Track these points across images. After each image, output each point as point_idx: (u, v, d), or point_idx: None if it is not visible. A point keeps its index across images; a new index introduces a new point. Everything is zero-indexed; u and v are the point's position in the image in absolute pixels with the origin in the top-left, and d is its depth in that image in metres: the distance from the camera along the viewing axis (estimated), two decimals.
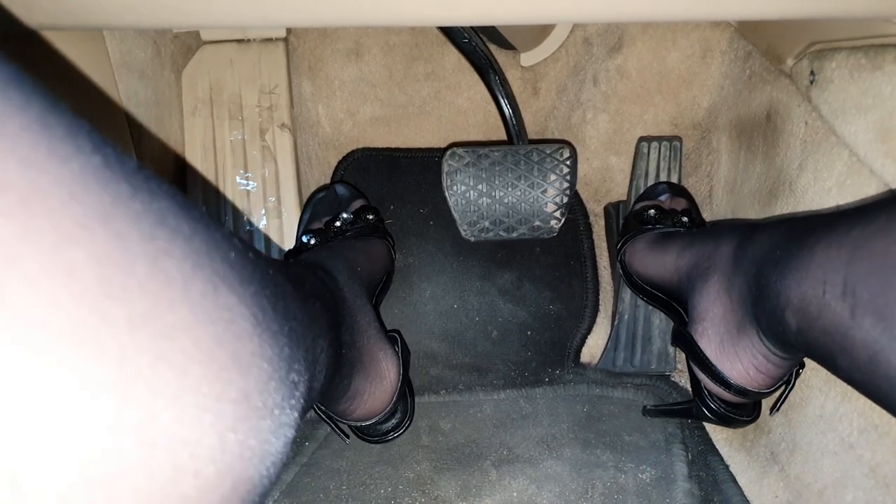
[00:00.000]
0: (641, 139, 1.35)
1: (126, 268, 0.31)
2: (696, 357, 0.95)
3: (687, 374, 1.28)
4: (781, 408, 0.97)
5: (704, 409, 1.00)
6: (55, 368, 0.27)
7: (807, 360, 0.95)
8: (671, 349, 1.31)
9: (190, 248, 0.36)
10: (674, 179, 1.33)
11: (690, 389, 1.06)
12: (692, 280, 0.97)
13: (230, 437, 0.35)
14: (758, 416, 1.01)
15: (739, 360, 0.88)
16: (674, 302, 1.06)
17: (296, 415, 0.44)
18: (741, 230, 0.92)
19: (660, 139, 1.34)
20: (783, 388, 0.92)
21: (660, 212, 1.19)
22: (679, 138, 1.35)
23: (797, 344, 0.73)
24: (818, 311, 0.65)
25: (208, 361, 0.34)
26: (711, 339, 0.92)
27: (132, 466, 0.30)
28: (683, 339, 0.99)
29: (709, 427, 1.20)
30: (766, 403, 1.05)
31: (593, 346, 1.40)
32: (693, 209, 1.23)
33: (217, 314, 0.36)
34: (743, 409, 1.00)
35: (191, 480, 0.33)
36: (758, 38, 1.16)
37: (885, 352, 0.57)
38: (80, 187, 0.30)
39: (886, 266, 0.57)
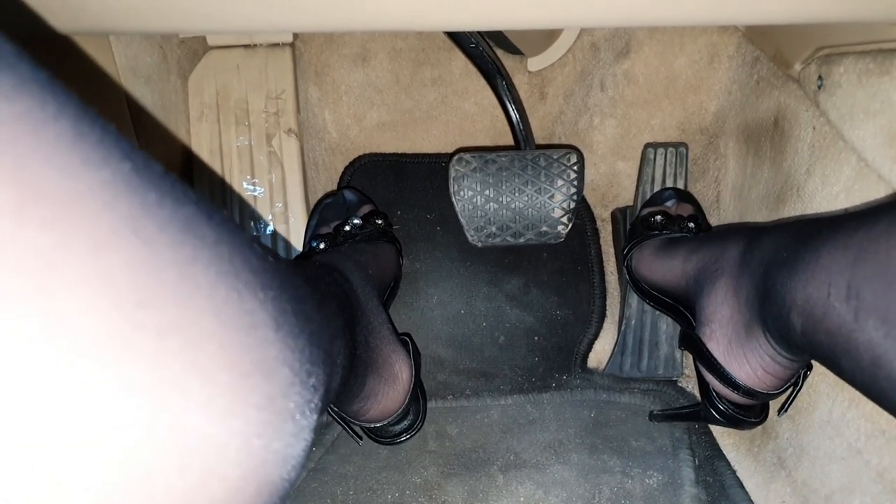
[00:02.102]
0: (648, 145, 1.35)
1: (156, 275, 0.31)
2: (704, 359, 0.95)
3: (694, 379, 1.28)
4: (789, 412, 0.97)
5: (713, 410, 1.00)
6: (97, 372, 0.28)
7: (815, 364, 0.95)
8: (678, 354, 1.31)
9: (215, 254, 0.36)
10: (680, 185, 1.33)
11: (698, 392, 1.06)
12: (699, 283, 0.97)
13: (255, 441, 0.36)
14: (765, 417, 1.01)
15: (747, 361, 0.88)
16: (681, 306, 1.06)
17: (315, 417, 0.44)
18: (748, 233, 0.91)
19: (666, 145, 1.34)
20: (791, 389, 0.92)
21: (666, 217, 1.19)
22: (685, 144, 1.34)
23: (802, 345, 0.73)
24: (822, 313, 0.65)
25: (234, 367, 0.35)
26: (719, 341, 0.92)
27: (166, 468, 0.31)
28: (691, 341, 0.98)
29: (716, 432, 1.19)
30: (774, 406, 1.05)
31: (600, 352, 1.40)
32: (699, 215, 1.23)
33: (241, 320, 0.37)
34: (751, 411, 0.99)
35: (218, 483, 0.33)
36: (765, 42, 1.16)
37: (888, 355, 0.57)
38: (111, 194, 0.31)
39: (890, 269, 0.57)
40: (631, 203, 1.39)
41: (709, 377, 0.96)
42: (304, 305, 0.48)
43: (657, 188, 1.33)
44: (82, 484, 0.28)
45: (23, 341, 0.26)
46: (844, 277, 0.62)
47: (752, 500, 1.05)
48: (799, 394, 0.95)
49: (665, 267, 1.09)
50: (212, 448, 0.33)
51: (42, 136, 0.28)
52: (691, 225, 1.15)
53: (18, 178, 0.27)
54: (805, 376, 0.93)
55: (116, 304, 0.29)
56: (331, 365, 0.56)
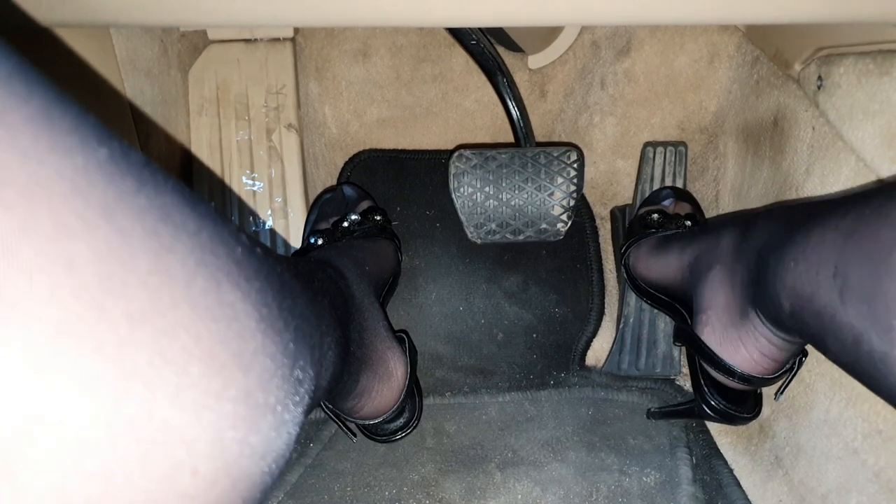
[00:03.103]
0: (647, 144, 1.35)
1: (127, 264, 0.31)
2: (699, 349, 0.95)
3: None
4: (786, 411, 0.97)
5: (706, 406, 1.00)
6: (51, 362, 0.27)
7: (813, 364, 0.95)
8: (676, 352, 1.31)
9: (194, 244, 0.36)
10: (679, 184, 1.33)
11: (692, 388, 1.06)
12: (695, 274, 0.98)
13: (229, 434, 0.35)
14: (759, 413, 1.01)
15: (743, 345, 0.89)
16: (678, 304, 1.06)
17: (300, 411, 0.44)
18: (741, 221, 0.92)
19: (665, 144, 1.34)
20: (786, 375, 0.93)
21: (663, 216, 1.19)
22: (684, 143, 1.34)
23: (791, 326, 0.74)
24: (810, 293, 0.66)
25: (209, 359, 0.34)
26: (715, 326, 0.92)
27: (129, 462, 0.30)
28: (685, 334, 0.99)
29: (713, 431, 1.19)
30: (768, 404, 1.05)
31: (598, 350, 1.40)
32: (697, 213, 1.23)
33: (219, 311, 0.36)
34: (744, 406, 1.00)
35: (188, 478, 0.33)
36: (766, 42, 1.16)
37: (868, 333, 0.58)
38: (83, 181, 0.30)
39: (875, 249, 0.57)
40: (630, 201, 1.39)
41: (706, 367, 0.97)
42: (292, 300, 0.48)
43: (656, 187, 1.33)
44: (39, 480, 0.27)
45: None
46: (832, 257, 0.63)
47: (748, 499, 1.05)
48: (797, 393, 0.95)
49: (661, 263, 1.10)
50: (181, 441, 0.32)
51: (7, 119, 0.28)
52: (689, 223, 1.15)
53: None
54: (801, 362, 0.93)
55: (78, 292, 0.29)
56: (320, 361, 0.55)
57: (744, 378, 0.91)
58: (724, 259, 0.92)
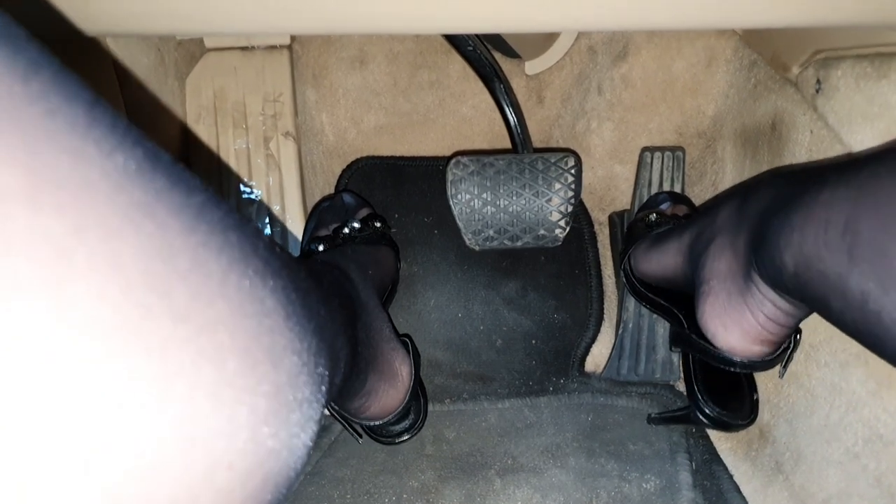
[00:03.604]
0: (644, 149, 1.35)
1: (169, 261, 0.31)
2: (696, 346, 0.94)
3: None
4: (787, 416, 0.97)
5: (700, 414, 1.00)
6: (104, 361, 0.28)
7: (812, 372, 0.95)
8: (675, 358, 1.31)
9: (225, 242, 0.36)
10: (677, 189, 1.33)
11: (687, 396, 1.06)
12: (696, 252, 0.96)
13: (263, 430, 0.35)
14: (754, 419, 1.01)
15: (749, 310, 0.86)
16: (676, 306, 1.06)
17: (320, 409, 0.44)
18: (740, 191, 0.91)
19: (663, 149, 1.34)
20: (784, 354, 0.92)
21: (661, 217, 1.19)
22: (682, 148, 1.35)
23: (793, 287, 0.73)
24: (817, 252, 0.65)
25: (244, 355, 0.35)
26: (718, 295, 0.90)
27: (172, 459, 0.30)
28: (680, 336, 0.99)
29: (713, 436, 1.19)
30: (764, 408, 1.05)
31: (598, 355, 1.40)
32: (694, 214, 1.23)
33: (252, 308, 0.37)
34: (739, 413, 0.99)
35: (225, 473, 0.33)
36: (763, 46, 1.16)
37: (877, 292, 0.58)
38: (125, 180, 0.31)
39: (890, 206, 0.57)
40: (628, 207, 1.39)
41: (700, 376, 0.96)
42: (311, 298, 0.48)
43: (654, 192, 1.33)
44: (88, 477, 0.27)
45: (36, 327, 0.26)
46: (843, 213, 0.62)
47: None
48: (797, 398, 0.95)
49: (661, 253, 1.09)
50: (219, 437, 0.32)
51: (57, 120, 0.29)
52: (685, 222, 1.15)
53: (32, 164, 0.27)
54: (797, 341, 0.92)
55: (126, 290, 0.29)
56: (335, 360, 0.56)
57: (744, 365, 0.90)
58: (725, 228, 0.90)
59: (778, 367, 0.92)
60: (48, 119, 0.28)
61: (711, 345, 0.91)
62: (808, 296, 0.71)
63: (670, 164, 1.33)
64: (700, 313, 0.93)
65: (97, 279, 0.28)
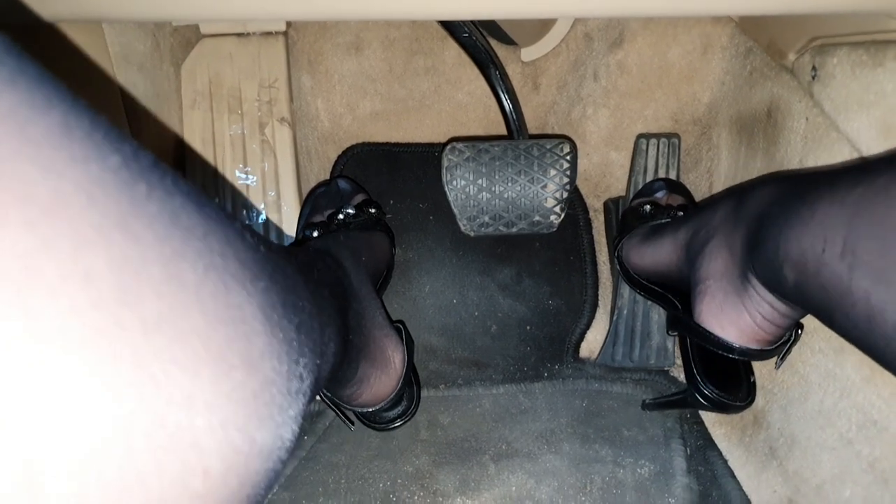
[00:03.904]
0: (640, 136, 1.35)
1: (141, 272, 0.31)
2: (694, 331, 0.94)
3: None
4: (781, 402, 0.97)
5: (699, 395, 1.00)
6: (73, 374, 0.28)
7: (806, 356, 0.95)
8: (670, 344, 1.31)
9: (203, 248, 0.36)
10: (672, 176, 1.33)
11: (685, 379, 1.06)
12: (692, 251, 0.97)
13: (238, 435, 0.35)
14: (752, 401, 1.01)
15: (746, 310, 0.87)
16: (671, 293, 1.06)
17: (302, 406, 0.44)
18: (736, 193, 0.92)
19: (658, 136, 1.34)
20: (784, 346, 0.92)
21: (656, 207, 1.19)
22: (677, 135, 1.35)
23: (794, 297, 0.74)
24: (816, 267, 0.66)
25: (218, 362, 0.35)
26: (715, 295, 0.91)
27: (145, 468, 0.30)
28: (678, 320, 0.99)
29: (707, 422, 1.20)
30: (761, 395, 1.05)
31: (592, 342, 1.40)
32: (690, 204, 1.23)
33: (228, 314, 0.37)
34: (737, 395, 1.00)
35: (200, 480, 0.33)
36: (759, 33, 1.16)
37: (883, 310, 0.58)
38: (99, 191, 0.31)
39: (887, 226, 0.57)
40: (624, 193, 1.39)
41: (698, 357, 0.97)
42: (296, 295, 0.48)
43: (650, 179, 1.33)
44: (60, 488, 0.27)
45: (3, 339, 0.26)
46: (840, 233, 0.62)
47: (743, 490, 1.05)
48: (791, 384, 0.95)
49: (655, 249, 1.09)
50: (193, 445, 0.32)
51: (29, 133, 0.28)
52: (681, 214, 1.15)
53: (1, 179, 0.27)
54: (797, 335, 0.93)
55: (97, 303, 0.29)
56: (321, 353, 0.56)
57: (743, 352, 0.90)
58: (722, 228, 0.91)
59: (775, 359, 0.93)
60: (19, 133, 0.28)
61: (709, 331, 0.92)
62: (811, 306, 0.72)
63: (665, 150, 1.33)
64: (697, 313, 0.94)
65: (67, 294, 0.28)
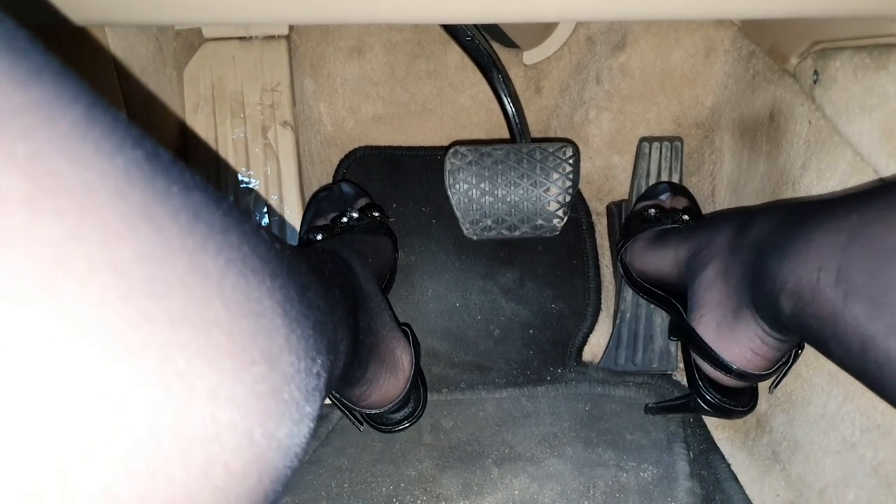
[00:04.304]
0: (643, 139, 1.35)
1: (167, 264, 0.32)
2: (695, 344, 0.95)
3: None
4: (784, 406, 0.97)
5: (701, 401, 1.00)
6: (104, 366, 0.28)
7: (811, 357, 0.95)
8: (673, 347, 1.31)
9: (223, 242, 0.36)
10: (675, 179, 1.33)
11: (687, 383, 1.06)
12: (692, 270, 0.98)
13: (259, 429, 0.36)
14: (754, 406, 1.01)
15: (738, 342, 0.89)
16: (673, 298, 1.06)
17: (318, 404, 0.44)
18: (739, 217, 0.92)
19: (661, 139, 1.34)
20: (782, 369, 0.93)
21: (660, 211, 1.19)
22: (680, 138, 1.34)
23: (792, 327, 0.74)
24: (812, 296, 0.66)
25: (240, 356, 0.35)
26: (709, 323, 0.92)
27: (170, 459, 0.31)
28: (680, 328, 0.99)
29: (711, 425, 1.20)
30: (764, 397, 1.05)
31: (595, 345, 1.40)
32: (694, 208, 1.23)
33: (248, 308, 0.37)
34: (740, 400, 1.00)
35: (221, 473, 0.33)
36: (761, 37, 1.16)
37: (877, 338, 0.58)
38: (125, 183, 0.31)
39: (881, 254, 0.57)
40: (626, 197, 1.39)
41: (700, 362, 0.97)
42: (310, 293, 0.48)
43: (653, 182, 1.33)
44: (89, 478, 0.28)
45: (36, 328, 0.26)
46: (835, 261, 0.63)
47: (746, 494, 1.05)
48: (794, 388, 0.95)
49: (658, 257, 1.10)
50: (215, 438, 0.33)
51: (56, 124, 0.29)
52: (685, 217, 1.15)
53: (32, 169, 0.27)
54: (797, 355, 0.93)
55: (126, 294, 0.29)
56: (334, 352, 0.56)
57: (740, 374, 0.91)
58: (721, 256, 0.92)
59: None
60: (48, 125, 0.28)
61: (710, 347, 0.92)
62: (807, 336, 0.72)
63: (668, 154, 1.33)
64: None
65: (97, 284, 0.28)
